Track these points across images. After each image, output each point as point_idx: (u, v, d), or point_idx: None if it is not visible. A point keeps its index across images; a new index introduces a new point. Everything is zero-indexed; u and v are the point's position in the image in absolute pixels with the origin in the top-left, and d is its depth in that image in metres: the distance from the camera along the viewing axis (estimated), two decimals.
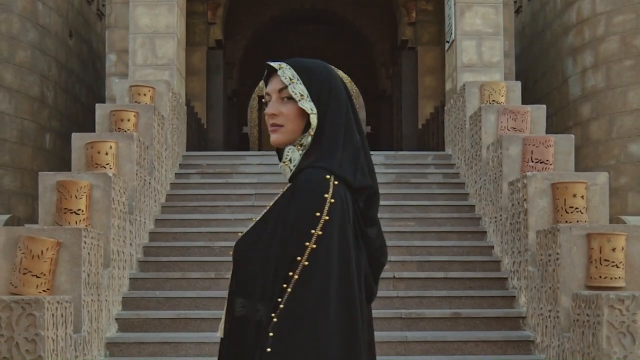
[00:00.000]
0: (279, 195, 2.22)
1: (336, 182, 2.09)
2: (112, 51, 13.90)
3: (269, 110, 2.20)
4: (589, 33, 13.67)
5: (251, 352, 2.09)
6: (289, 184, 2.21)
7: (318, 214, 2.05)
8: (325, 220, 2.04)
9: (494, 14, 11.91)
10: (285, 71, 2.18)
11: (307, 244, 2.03)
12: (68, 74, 15.48)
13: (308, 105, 2.16)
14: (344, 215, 2.08)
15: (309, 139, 2.18)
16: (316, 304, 2.01)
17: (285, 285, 2.03)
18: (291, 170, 2.18)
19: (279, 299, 2.03)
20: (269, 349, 2.00)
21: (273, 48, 23.49)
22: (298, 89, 2.16)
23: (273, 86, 2.21)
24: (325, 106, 2.17)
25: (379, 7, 19.15)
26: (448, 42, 12.65)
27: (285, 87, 2.17)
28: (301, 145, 2.18)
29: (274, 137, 2.21)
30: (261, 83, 26.15)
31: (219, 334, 2.24)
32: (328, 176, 2.09)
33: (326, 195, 2.06)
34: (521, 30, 17.47)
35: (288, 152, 2.18)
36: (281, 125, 2.19)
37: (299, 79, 2.18)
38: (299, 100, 2.15)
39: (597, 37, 13.48)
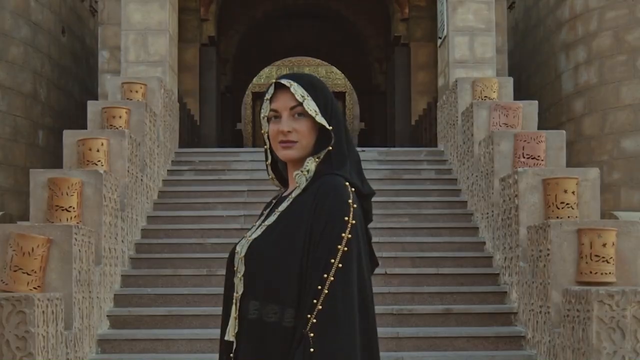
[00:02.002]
0: (289, 199, 2.30)
1: (353, 189, 2.22)
2: (105, 48, 13.88)
3: (283, 127, 2.27)
4: (582, 28, 13.68)
5: (270, 353, 2.18)
6: (293, 189, 2.31)
7: (346, 218, 2.18)
8: (352, 224, 2.17)
9: (486, 9, 11.91)
10: (297, 88, 2.27)
11: (339, 247, 2.15)
12: (61, 70, 15.45)
13: (325, 121, 2.27)
14: (361, 219, 2.22)
15: (325, 151, 2.28)
16: (351, 304, 2.14)
17: (320, 287, 2.13)
18: (307, 180, 2.27)
19: (315, 300, 2.12)
20: (312, 349, 2.10)
21: (266, 44, 23.49)
22: (312, 105, 2.26)
23: (284, 103, 2.28)
24: (329, 119, 2.28)
25: (372, 2, 19.14)
26: (440, 38, 12.66)
27: (299, 104, 2.26)
28: (319, 157, 2.28)
29: (289, 153, 2.29)
30: (255, 80, 26.14)
31: (228, 337, 2.28)
32: (347, 183, 2.22)
33: (350, 201, 2.19)
34: (514, 26, 17.47)
35: (308, 163, 2.28)
36: (295, 142, 2.28)
37: (308, 95, 2.26)
38: (316, 116, 2.26)
39: (590, 33, 13.50)
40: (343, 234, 2.16)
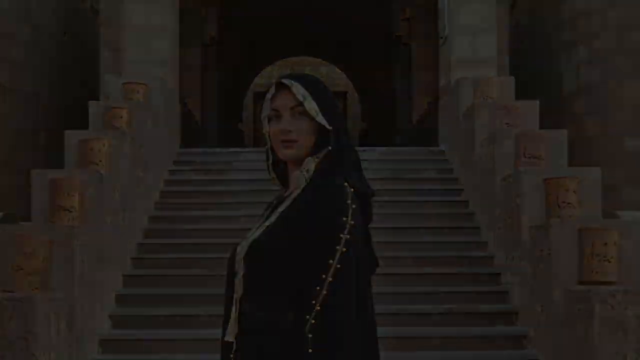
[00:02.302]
0: (288, 200, 2.31)
1: (352, 189, 2.21)
2: (106, 48, 13.87)
3: (284, 126, 2.28)
4: (584, 28, 13.67)
5: (269, 354, 2.18)
6: (293, 189, 2.31)
7: (345, 218, 2.17)
8: (351, 225, 2.17)
9: (488, 9, 11.91)
10: (298, 88, 2.28)
11: (337, 247, 2.15)
12: (62, 71, 15.46)
13: (325, 121, 2.27)
14: (360, 219, 2.22)
15: (325, 151, 2.28)
16: (349, 305, 2.15)
17: (319, 288, 2.13)
18: (307, 180, 2.28)
19: (313, 301, 2.12)
20: (310, 350, 2.10)
21: (268, 44, 23.48)
22: (312, 105, 2.27)
23: (285, 102, 2.29)
24: (329, 120, 2.28)
25: (373, 2, 19.13)
26: (442, 37, 12.65)
27: (300, 103, 2.27)
28: (318, 157, 2.28)
29: (289, 152, 2.30)
30: (256, 80, 26.15)
31: (228, 338, 2.29)
32: (346, 183, 2.21)
33: (349, 201, 2.19)
34: (516, 26, 17.46)
35: (307, 163, 2.28)
36: (295, 141, 2.28)
37: (309, 95, 2.27)
38: (316, 116, 2.26)
39: (591, 32, 13.49)
40: (342, 235, 2.15)
